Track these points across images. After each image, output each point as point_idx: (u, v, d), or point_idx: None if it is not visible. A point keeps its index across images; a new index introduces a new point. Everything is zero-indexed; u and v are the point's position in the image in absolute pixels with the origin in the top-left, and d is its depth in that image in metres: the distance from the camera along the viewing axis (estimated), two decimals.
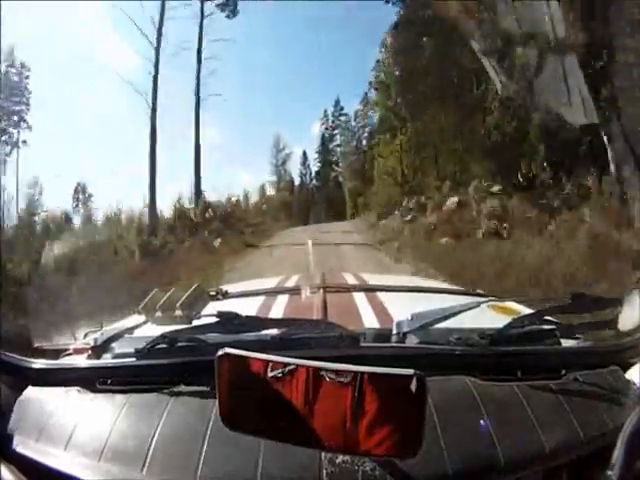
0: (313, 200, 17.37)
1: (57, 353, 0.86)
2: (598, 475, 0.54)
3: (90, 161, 13.63)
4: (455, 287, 1.45)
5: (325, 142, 17.26)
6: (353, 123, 16.46)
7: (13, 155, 10.81)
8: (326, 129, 17.10)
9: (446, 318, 0.77)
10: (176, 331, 0.75)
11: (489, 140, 8.62)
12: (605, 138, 5.32)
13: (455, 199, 8.36)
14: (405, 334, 0.75)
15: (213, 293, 1.14)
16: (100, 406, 0.67)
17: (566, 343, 0.79)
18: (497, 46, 5.85)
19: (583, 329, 0.82)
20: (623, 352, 0.74)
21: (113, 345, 0.81)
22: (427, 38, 9.92)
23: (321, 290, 1.14)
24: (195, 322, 0.84)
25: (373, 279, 1.44)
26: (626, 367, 0.72)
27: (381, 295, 1.12)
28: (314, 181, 17.73)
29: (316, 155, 17.63)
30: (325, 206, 16.83)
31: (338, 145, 17.23)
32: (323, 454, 0.54)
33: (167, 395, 0.66)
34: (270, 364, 0.51)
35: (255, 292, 1.24)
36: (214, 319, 0.78)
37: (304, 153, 17.74)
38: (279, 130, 16.48)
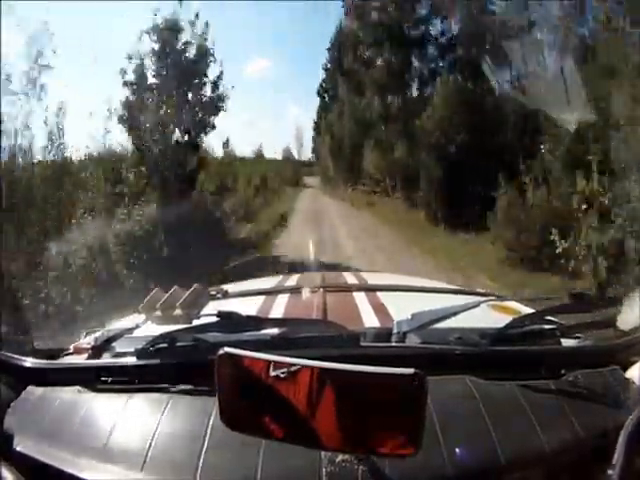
0: None
1: (57, 353, 0.86)
2: (598, 475, 0.54)
3: None
4: (455, 287, 1.45)
5: None
6: None
7: None
8: None
9: (446, 318, 0.77)
10: (176, 331, 0.75)
11: None
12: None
13: None
14: (405, 334, 0.75)
15: (213, 293, 1.14)
16: (100, 406, 0.67)
17: (566, 343, 0.79)
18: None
19: (583, 329, 0.82)
20: (623, 352, 0.74)
21: (113, 345, 0.81)
22: None
23: (321, 290, 1.14)
24: (195, 322, 0.84)
25: (373, 279, 1.44)
26: (626, 367, 0.72)
27: (381, 295, 1.12)
28: None
29: None
30: None
31: None
32: (323, 454, 0.54)
33: (167, 395, 0.66)
34: (270, 364, 0.50)
35: (255, 292, 1.24)
36: (214, 319, 0.78)
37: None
38: None
